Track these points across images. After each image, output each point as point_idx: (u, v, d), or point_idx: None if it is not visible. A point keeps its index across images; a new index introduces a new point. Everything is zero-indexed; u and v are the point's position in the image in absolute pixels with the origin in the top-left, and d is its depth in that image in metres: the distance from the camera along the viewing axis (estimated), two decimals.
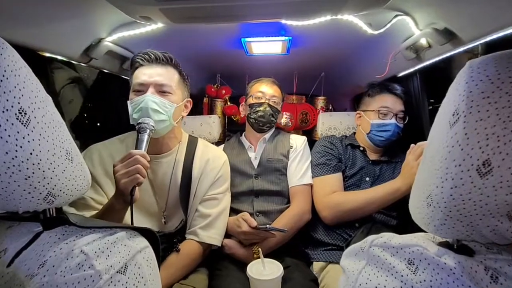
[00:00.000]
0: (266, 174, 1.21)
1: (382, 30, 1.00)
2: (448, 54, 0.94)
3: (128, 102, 0.90)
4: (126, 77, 1.34)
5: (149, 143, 0.82)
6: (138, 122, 0.83)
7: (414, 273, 0.39)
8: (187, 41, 1.29)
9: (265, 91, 1.26)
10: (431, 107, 1.27)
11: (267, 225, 1.00)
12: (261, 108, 1.23)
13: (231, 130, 1.91)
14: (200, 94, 1.94)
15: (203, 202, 1.00)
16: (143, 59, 0.91)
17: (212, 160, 1.05)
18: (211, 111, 1.96)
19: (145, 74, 0.89)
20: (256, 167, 1.23)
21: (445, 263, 0.38)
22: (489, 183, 0.34)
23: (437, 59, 1.00)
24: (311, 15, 0.85)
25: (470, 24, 0.77)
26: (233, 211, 1.14)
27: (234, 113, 1.88)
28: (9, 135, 0.38)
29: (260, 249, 0.94)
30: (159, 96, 0.88)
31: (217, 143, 1.59)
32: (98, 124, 1.37)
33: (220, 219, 1.01)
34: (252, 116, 1.25)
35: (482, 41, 0.78)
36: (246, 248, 1.05)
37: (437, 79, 1.26)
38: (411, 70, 1.20)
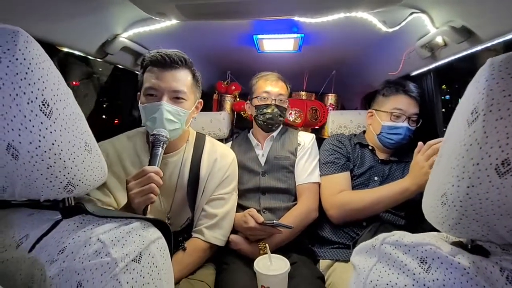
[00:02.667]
0: (273, 171, 1.21)
1: (396, 28, 0.98)
2: (464, 53, 0.91)
3: (140, 106, 0.88)
4: None
5: None
6: (153, 133, 0.82)
7: (426, 272, 0.39)
8: (200, 37, 1.30)
9: (270, 90, 1.22)
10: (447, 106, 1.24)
11: (274, 221, 1.00)
12: (269, 110, 1.21)
13: (240, 127, 1.92)
14: (210, 90, 1.96)
15: (210, 202, 1.00)
16: (156, 60, 0.86)
17: (220, 159, 1.04)
18: (220, 107, 1.97)
19: (159, 78, 0.85)
20: (263, 164, 1.22)
21: (458, 263, 0.38)
22: (508, 182, 0.34)
23: (452, 58, 0.98)
24: (324, 12, 0.84)
25: (489, 22, 0.75)
26: (240, 208, 1.14)
27: (243, 109, 1.89)
28: (33, 126, 0.39)
29: (267, 245, 0.94)
30: (173, 104, 0.86)
31: (225, 140, 1.60)
32: (112, 117, 1.40)
33: (226, 219, 1.01)
34: (260, 118, 1.23)
35: (501, 39, 0.76)
36: (252, 244, 1.05)
37: (452, 79, 1.23)
38: (425, 69, 1.17)
